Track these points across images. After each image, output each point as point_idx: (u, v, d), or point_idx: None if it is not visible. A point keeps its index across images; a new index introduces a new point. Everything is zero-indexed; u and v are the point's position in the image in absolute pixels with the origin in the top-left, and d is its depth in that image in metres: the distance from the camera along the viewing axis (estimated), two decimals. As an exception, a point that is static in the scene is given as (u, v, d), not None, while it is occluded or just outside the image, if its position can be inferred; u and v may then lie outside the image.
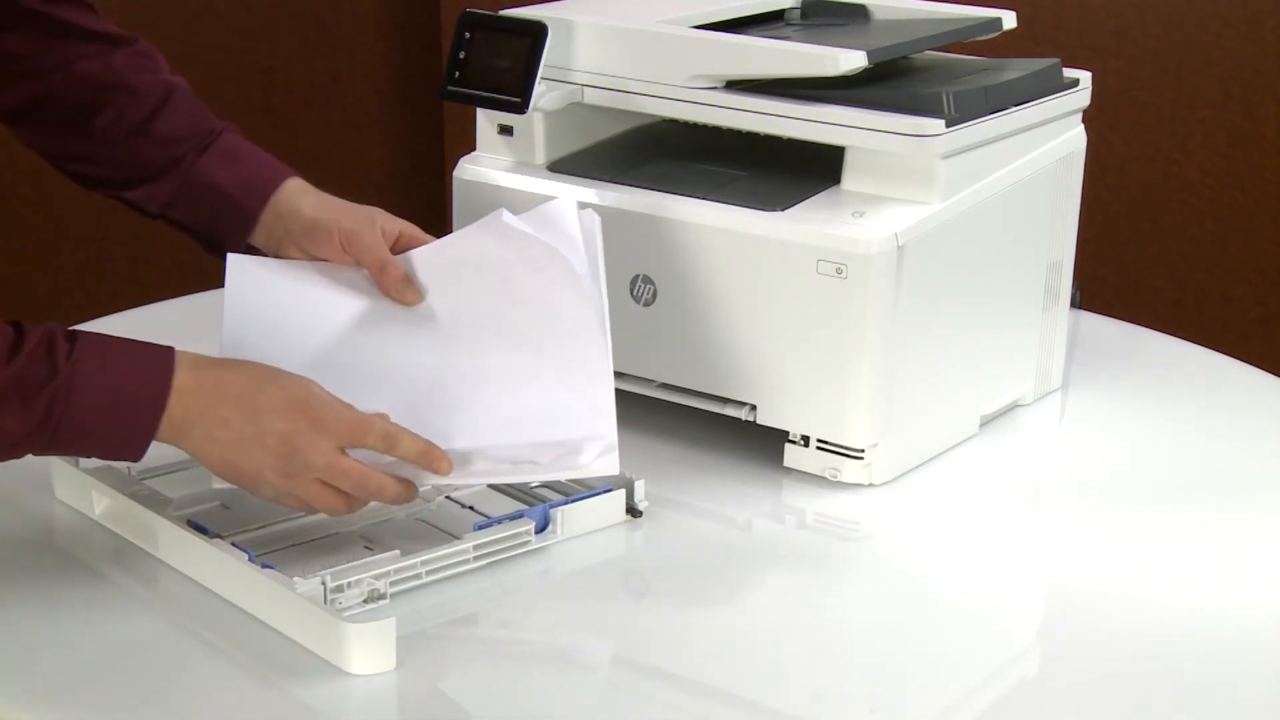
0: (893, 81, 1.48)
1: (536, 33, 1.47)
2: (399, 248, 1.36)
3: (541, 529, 1.31)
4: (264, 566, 1.21)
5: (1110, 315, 1.86)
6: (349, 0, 2.95)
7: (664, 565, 1.34)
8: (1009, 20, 1.61)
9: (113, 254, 2.82)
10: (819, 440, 1.43)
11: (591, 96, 1.52)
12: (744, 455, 1.48)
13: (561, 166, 1.55)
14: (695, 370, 1.48)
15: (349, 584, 1.21)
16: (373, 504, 1.34)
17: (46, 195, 2.73)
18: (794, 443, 1.45)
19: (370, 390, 1.29)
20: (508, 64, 1.48)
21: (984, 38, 1.59)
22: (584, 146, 1.58)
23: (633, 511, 1.37)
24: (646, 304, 1.48)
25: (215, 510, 1.33)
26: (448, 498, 1.36)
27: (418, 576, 1.24)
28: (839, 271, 1.38)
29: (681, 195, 1.46)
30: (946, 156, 1.41)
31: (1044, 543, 1.40)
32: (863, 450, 1.42)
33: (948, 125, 1.39)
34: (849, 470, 1.43)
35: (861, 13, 1.66)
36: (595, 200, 1.47)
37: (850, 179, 1.44)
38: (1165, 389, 1.68)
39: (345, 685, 1.14)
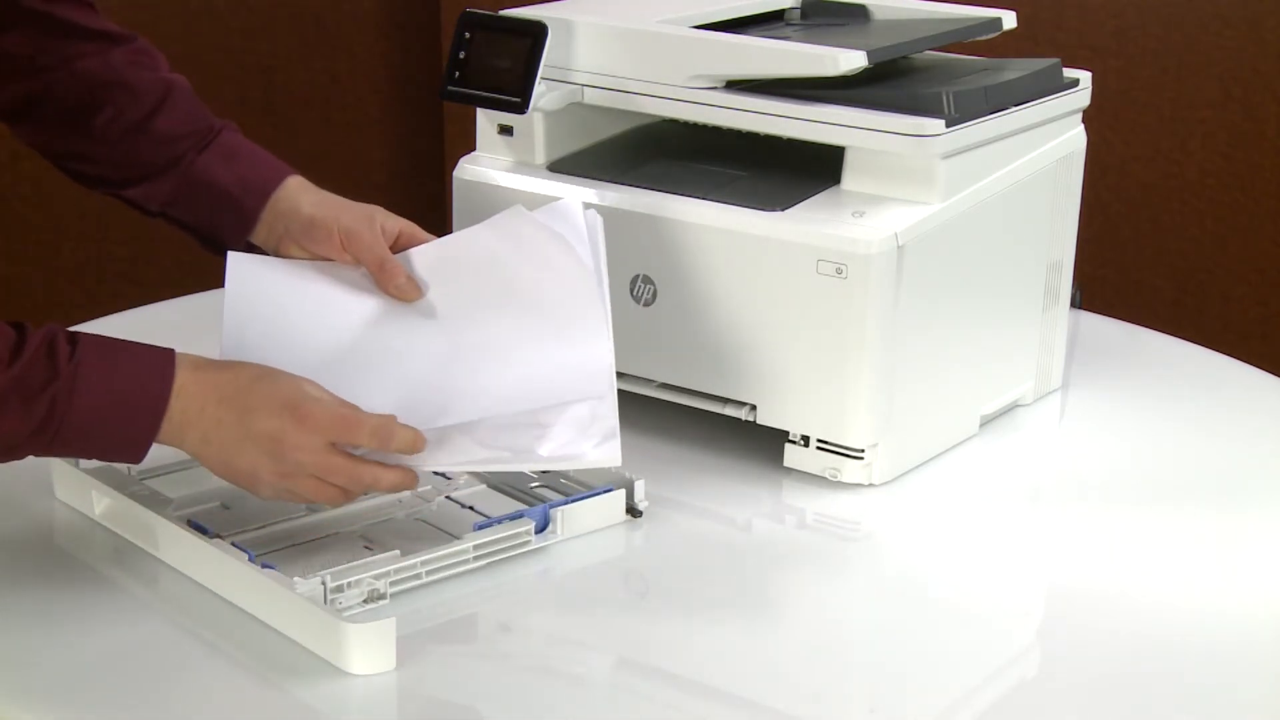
0: (893, 81, 1.48)
1: (536, 33, 1.47)
2: (399, 246, 1.36)
3: (541, 529, 1.31)
4: (264, 566, 1.21)
5: (1110, 315, 1.86)
6: (349, 0, 2.95)
7: (664, 565, 1.34)
8: (1009, 20, 1.61)
9: (112, 254, 2.82)
10: (819, 440, 1.43)
11: (591, 96, 1.52)
12: (744, 455, 1.48)
13: (561, 166, 1.55)
14: (695, 370, 1.48)
15: (349, 584, 1.21)
16: (373, 503, 1.34)
17: (46, 195, 2.73)
18: (794, 443, 1.45)
19: (372, 388, 1.29)
20: (508, 64, 1.48)
21: (984, 38, 1.59)
22: (584, 146, 1.58)
23: (633, 511, 1.37)
24: (646, 304, 1.48)
25: (215, 510, 1.32)
26: (448, 498, 1.36)
27: (418, 576, 1.24)
28: (839, 271, 1.38)
29: (681, 195, 1.46)
30: (946, 156, 1.41)
31: (1044, 543, 1.40)
32: (863, 450, 1.42)
33: (948, 125, 1.39)
34: (849, 470, 1.43)
35: (861, 13, 1.66)
36: (595, 200, 1.47)
37: (850, 179, 1.44)
38: (1165, 389, 1.68)
39: (345, 685, 1.14)
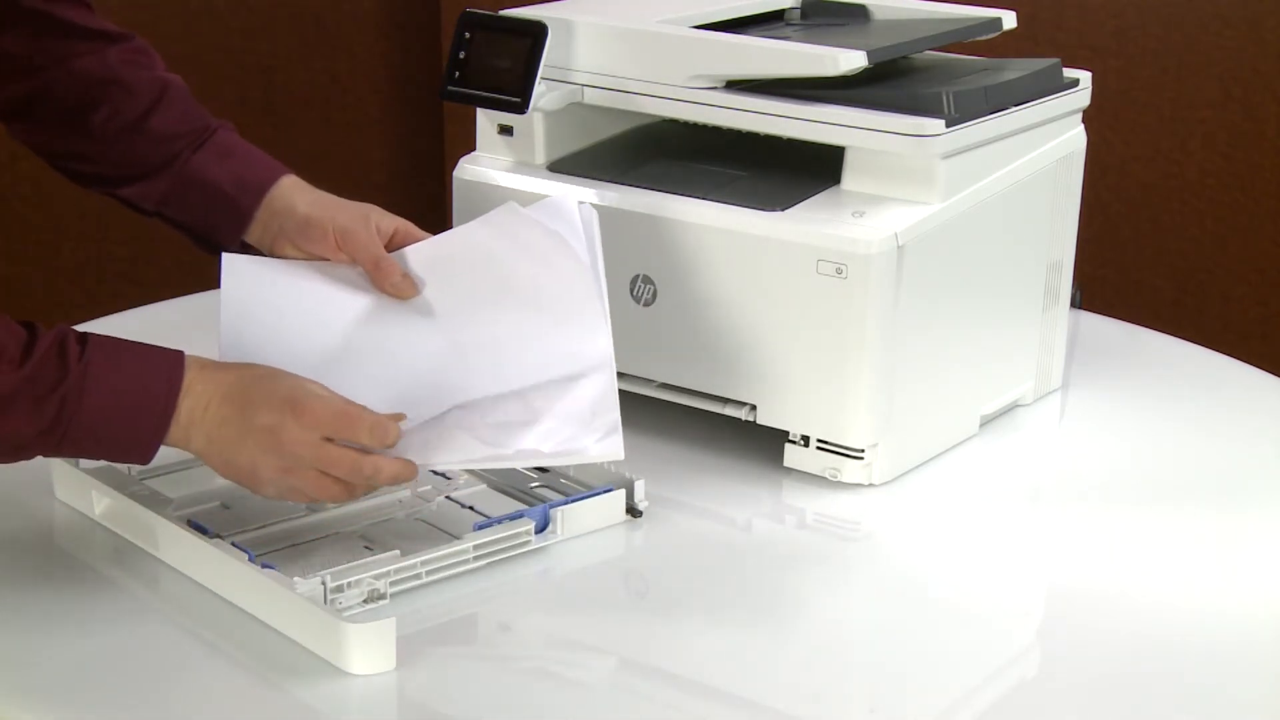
0: (893, 81, 1.48)
1: (536, 33, 1.47)
2: (394, 245, 1.36)
3: (541, 529, 1.31)
4: (264, 566, 1.21)
5: (1110, 315, 1.86)
6: (349, 0, 2.95)
7: (664, 565, 1.34)
8: (1009, 20, 1.61)
9: (112, 254, 2.82)
10: (819, 440, 1.43)
11: (591, 96, 1.52)
12: (744, 455, 1.48)
13: (561, 166, 1.55)
14: (695, 370, 1.48)
15: (349, 584, 1.21)
16: (373, 503, 1.34)
17: (46, 195, 2.73)
18: (794, 443, 1.45)
19: (370, 386, 1.29)
20: (508, 64, 1.48)
21: (984, 38, 1.59)
22: (584, 146, 1.58)
23: (633, 511, 1.37)
24: (646, 304, 1.48)
25: (215, 510, 1.33)
26: (448, 498, 1.36)
27: (418, 576, 1.24)
28: (839, 271, 1.38)
29: (681, 195, 1.46)
30: (946, 156, 1.41)
31: (1044, 543, 1.40)
32: (863, 450, 1.42)
33: (948, 125, 1.39)
34: (849, 470, 1.43)
35: (861, 13, 1.66)
36: (595, 200, 1.47)
37: (850, 179, 1.44)
38: (1165, 389, 1.68)
39: (345, 685, 1.14)
